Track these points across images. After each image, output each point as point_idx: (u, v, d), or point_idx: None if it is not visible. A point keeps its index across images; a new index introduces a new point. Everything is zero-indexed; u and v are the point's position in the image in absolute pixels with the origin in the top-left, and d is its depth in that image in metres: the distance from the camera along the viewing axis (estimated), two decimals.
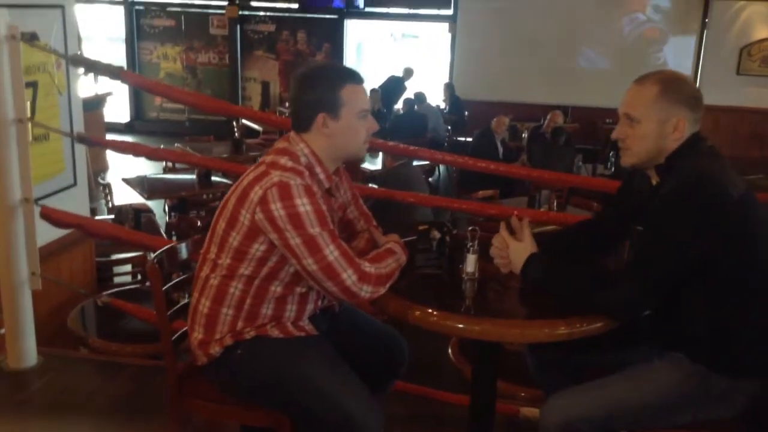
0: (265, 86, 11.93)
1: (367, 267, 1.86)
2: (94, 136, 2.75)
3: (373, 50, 13.63)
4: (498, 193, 5.84)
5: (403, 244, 2.04)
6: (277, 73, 11.88)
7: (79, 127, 3.95)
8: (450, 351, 3.00)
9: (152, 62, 12.01)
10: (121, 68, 2.57)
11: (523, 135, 8.69)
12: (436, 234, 2.03)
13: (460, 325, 1.82)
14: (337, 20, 11.53)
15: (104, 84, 10.71)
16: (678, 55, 10.92)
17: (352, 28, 11.96)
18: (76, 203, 3.80)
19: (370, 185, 5.79)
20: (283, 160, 1.87)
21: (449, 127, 9.90)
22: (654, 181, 1.94)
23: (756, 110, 10.73)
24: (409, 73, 10.60)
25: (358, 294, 1.84)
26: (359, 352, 2.11)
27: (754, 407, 1.84)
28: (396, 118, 9.47)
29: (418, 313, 1.83)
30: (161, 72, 12.02)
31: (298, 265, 1.82)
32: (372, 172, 6.93)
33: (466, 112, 10.39)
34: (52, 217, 2.68)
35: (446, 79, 11.23)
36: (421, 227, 2.05)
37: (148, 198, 5.77)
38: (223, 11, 11.66)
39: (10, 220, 2.70)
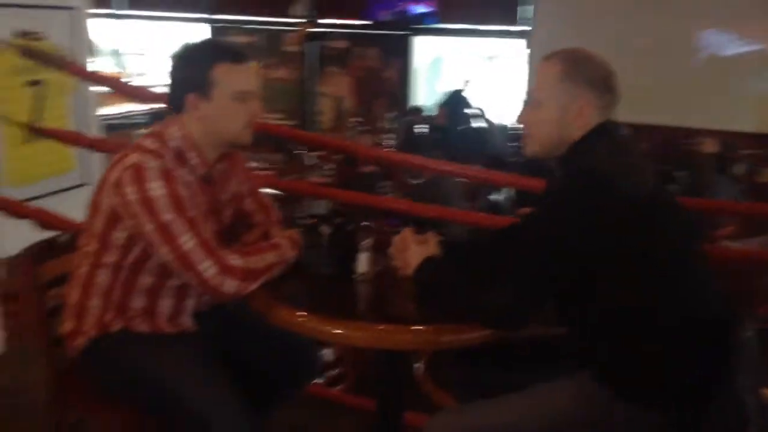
0: (337, 101, 12.02)
1: (234, 260, 1.71)
2: (49, 130, 2.74)
3: (449, 67, 13.48)
4: None
5: (297, 241, 1.88)
6: (349, 88, 11.94)
7: (89, 126, 4.03)
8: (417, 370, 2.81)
9: None
10: (65, 60, 2.56)
11: None
12: (325, 229, 1.86)
13: (338, 330, 1.64)
14: (408, 37, 11.47)
15: None
16: None
17: (425, 44, 11.87)
18: (78, 204, 3.86)
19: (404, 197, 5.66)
20: (148, 142, 1.76)
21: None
22: None
23: None
24: (468, 84, 10.40)
25: (219, 288, 1.70)
26: (254, 356, 1.98)
27: None
28: (448, 134, 9.28)
29: (285, 314, 1.68)
30: None
31: (157, 254, 1.70)
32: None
33: None
34: (9, 207, 2.69)
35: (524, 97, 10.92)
36: (307, 221, 1.89)
37: None
38: (298, 28, 11.85)
39: None
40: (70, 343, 1.83)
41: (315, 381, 2.44)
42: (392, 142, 8.95)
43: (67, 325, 1.84)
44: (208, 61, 1.76)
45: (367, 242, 1.84)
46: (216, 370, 1.79)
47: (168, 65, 1.80)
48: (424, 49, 11.98)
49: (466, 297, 1.63)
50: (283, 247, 1.85)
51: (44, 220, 2.57)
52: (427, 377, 2.66)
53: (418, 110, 10.25)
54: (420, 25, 11.47)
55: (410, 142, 8.91)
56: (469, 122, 9.08)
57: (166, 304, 1.85)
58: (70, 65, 2.56)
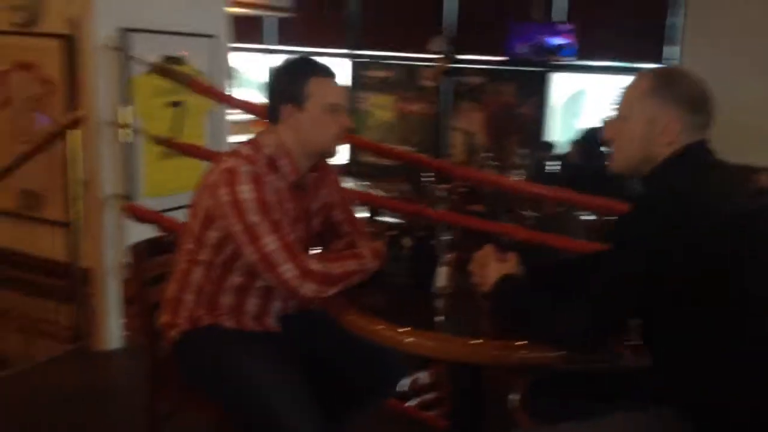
0: (469, 136, 12.06)
1: (314, 264, 1.78)
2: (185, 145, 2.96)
3: (586, 104, 13.17)
4: None
5: (380, 252, 1.92)
6: (481, 124, 11.96)
7: (221, 147, 4.30)
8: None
9: (367, 110, 12.75)
10: (191, 78, 2.78)
11: None
12: (408, 241, 1.89)
13: (410, 339, 1.66)
14: (546, 73, 11.35)
15: None
16: None
17: (563, 80, 11.69)
18: None
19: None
20: (244, 149, 1.88)
21: None
22: None
23: None
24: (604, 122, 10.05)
25: (298, 290, 1.76)
26: (336, 363, 2.02)
27: None
28: (581, 172, 9.00)
29: (358, 320, 1.71)
30: (375, 120, 12.71)
31: (243, 254, 1.80)
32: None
33: None
34: (135, 212, 2.92)
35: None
36: (390, 233, 1.92)
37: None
38: (435, 64, 12.06)
39: (101, 215, 3.00)
40: (166, 335, 1.96)
41: (406, 403, 2.43)
42: (522, 179, 8.84)
43: (163, 318, 1.98)
44: (305, 75, 1.87)
45: (448, 257, 1.85)
46: (295, 373, 1.85)
47: (268, 79, 1.93)
48: (561, 85, 11.80)
49: (540, 315, 1.59)
50: (365, 256, 1.89)
51: (166, 225, 2.78)
52: (522, 410, 2.60)
53: (549, 146, 10.06)
54: (557, 57, 11.32)
55: (540, 179, 8.77)
56: (604, 161, 8.78)
57: (252, 303, 1.94)
58: (200, 84, 2.78)
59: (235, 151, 1.88)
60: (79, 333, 3.27)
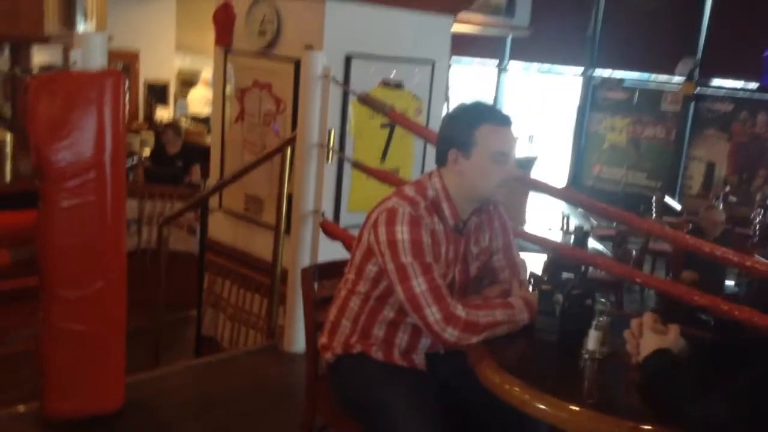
0: (710, 167, 11.11)
1: (459, 310, 1.80)
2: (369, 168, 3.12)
3: None
4: None
5: (532, 304, 1.89)
6: (726, 154, 10.95)
7: (425, 168, 4.44)
8: None
9: (598, 132, 12.27)
10: (391, 109, 2.91)
11: None
12: (560, 298, 1.82)
13: (541, 406, 1.61)
14: None
15: (541, 148, 11.43)
16: None
17: None
18: None
19: None
20: (408, 189, 1.94)
21: None
22: None
23: None
24: None
25: (441, 334, 1.80)
26: (480, 411, 2.00)
27: None
28: None
29: (496, 378, 1.69)
30: (605, 143, 12.20)
31: (395, 291, 1.86)
32: None
33: None
34: (326, 228, 3.14)
35: None
36: (544, 287, 1.87)
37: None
38: (679, 87, 11.29)
39: (301, 226, 3.26)
40: (323, 355, 2.10)
41: None
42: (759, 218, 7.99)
43: (322, 339, 2.11)
44: (474, 122, 1.89)
45: (602, 321, 1.76)
46: (435, 413, 1.88)
47: (442, 122, 1.98)
48: None
49: (684, 402, 1.47)
50: (515, 307, 1.87)
51: (348, 243, 2.96)
52: None
53: None
54: None
55: None
56: None
57: (402, 338, 2.00)
58: (397, 116, 2.91)
59: (400, 191, 1.95)
60: (272, 331, 3.57)
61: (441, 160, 1.96)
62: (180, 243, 5.95)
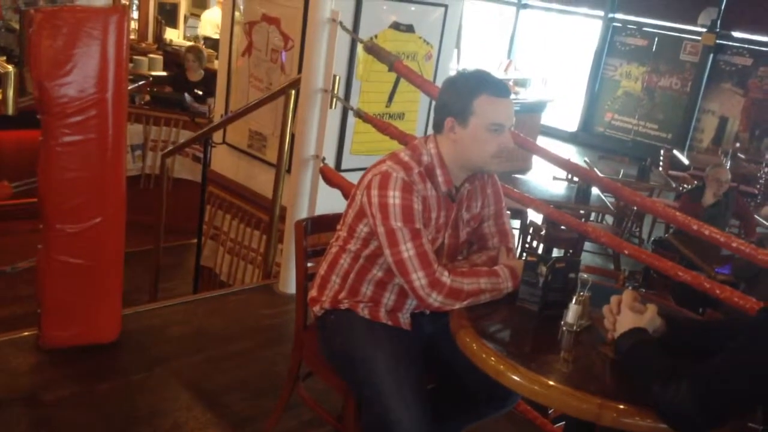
0: (722, 121, 10.98)
1: (444, 277, 1.84)
2: (368, 116, 3.11)
3: None
4: None
5: (516, 273, 1.93)
6: (740, 110, 10.81)
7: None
8: None
9: (613, 78, 12.09)
10: (396, 58, 2.88)
11: None
12: (543, 269, 1.86)
13: (515, 377, 1.66)
14: None
15: (554, 91, 11.26)
16: None
17: None
18: None
19: None
20: (403, 154, 1.96)
21: None
22: None
23: None
24: None
25: (425, 299, 1.85)
26: (457, 370, 2.06)
27: None
28: None
29: (473, 345, 1.74)
30: (620, 90, 12.03)
31: (383, 253, 1.90)
32: None
33: None
34: (325, 174, 3.16)
35: None
36: (529, 258, 1.90)
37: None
38: (699, 37, 11.04)
39: (301, 171, 3.28)
40: (311, 308, 2.15)
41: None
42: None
43: (312, 292, 2.17)
44: (473, 92, 1.88)
45: (583, 295, 1.80)
46: (416, 373, 1.94)
47: (441, 88, 1.97)
48: None
49: (653, 383, 1.52)
50: (500, 276, 1.91)
51: (346, 191, 2.98)
52: None
53: None
54: None
55: None
56: None
57: (389, 298, 2.05)
58: (402, 68, 2.88)
59: (395, 155, 1.97)
60: (269, 269, 3.64)
61: (438, 127, 1.96)
62: (185, 171, 5.99)
